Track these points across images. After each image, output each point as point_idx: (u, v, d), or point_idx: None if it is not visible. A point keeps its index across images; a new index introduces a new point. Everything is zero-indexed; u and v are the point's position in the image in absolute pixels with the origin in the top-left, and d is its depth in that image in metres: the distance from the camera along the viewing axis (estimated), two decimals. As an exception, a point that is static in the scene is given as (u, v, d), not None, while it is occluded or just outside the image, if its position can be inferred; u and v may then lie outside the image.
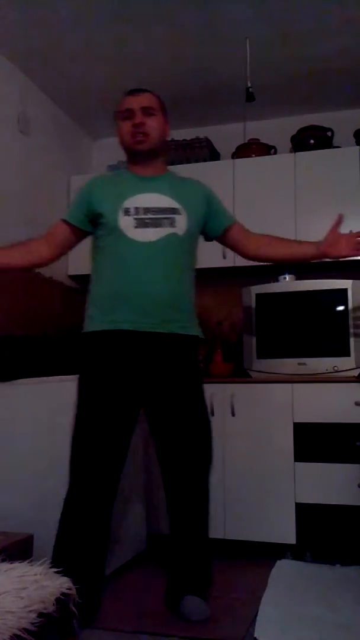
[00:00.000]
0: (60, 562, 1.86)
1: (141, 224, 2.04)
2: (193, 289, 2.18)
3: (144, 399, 2.10)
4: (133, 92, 2.13)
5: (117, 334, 2.03)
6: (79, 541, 2.02)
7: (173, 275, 2.07)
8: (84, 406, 2.07)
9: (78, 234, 2.20)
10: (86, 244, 3.57)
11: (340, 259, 2.36)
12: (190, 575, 2.08)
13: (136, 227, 2.03)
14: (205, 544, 2.15)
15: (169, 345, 2.06)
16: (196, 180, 2.29)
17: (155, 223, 2.04)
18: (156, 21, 2.71)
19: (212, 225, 2.25)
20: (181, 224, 2.08)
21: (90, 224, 2.15)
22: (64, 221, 2.19)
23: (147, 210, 2.05)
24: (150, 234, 2.03)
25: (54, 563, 1.85)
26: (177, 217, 2.08)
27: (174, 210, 2.08)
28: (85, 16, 2.66)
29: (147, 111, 2.08)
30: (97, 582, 2.04)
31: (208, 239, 2.33)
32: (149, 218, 2.04)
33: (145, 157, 2.13)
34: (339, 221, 2.28)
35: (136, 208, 2.05)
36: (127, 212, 2.04)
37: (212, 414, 2.89)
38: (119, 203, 2.05)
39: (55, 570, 1.42)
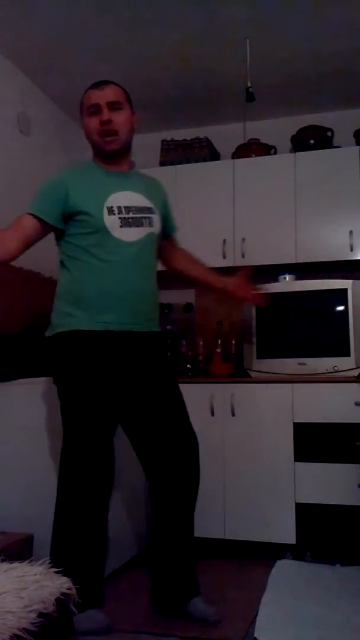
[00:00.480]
0: (60, 561, 1.87)
1: (126, 223, 2.03)
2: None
3: (128, 397, 2.08)
4: (97, 85, 2.07)
5: (106, 334, 2.01)
6: (79, 541, 2.01)
7: (151, 274, 2.13)
8: (76, 405, 2.02)
9: (46, 231, 2.07)
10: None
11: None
12: (188, 579, 2.07)
13: (121, 226, 2.02)
14: (192, 544, 2.13)
15: (151, 343, 2.10)
16: (157, 180, 2.31)
17: (137, 222, 2.05)
18: (156, 21, 2.70)
19: (164, 228, 2.24)
20: (156, 223, 2.12)
21: (63, 221, 2.06)
22: (34, 216, 2.03)
23: (128, 209, 2.05)
24: (133, 234, 2.04)
25: (53, 563, 1.86)
26: (153, 216, 2.11)
27: (150, 210, 2.10)
28: (85, 16, 2.66)
29: (113, 106, 2.03)
30: (98, 581, 2.04)
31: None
32: (131, 217, 2.04)
33: (115, 156, 2.10)
34: (249, 273, 2.45)
35: (119, 207, 2.03)
36: (111, 211, 2.01)
37: (212, 414, 2.89)
38: (102, 201, 2.02)
39: (55, 570, 1.41)
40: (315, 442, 2.75)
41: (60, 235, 2.11)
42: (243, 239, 3.23)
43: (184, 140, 3.49)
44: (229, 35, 2.80)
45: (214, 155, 3.53)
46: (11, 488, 2.48)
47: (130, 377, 2.06)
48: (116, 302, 2.02)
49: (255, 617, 2.02)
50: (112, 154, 2.10)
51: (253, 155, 3.37)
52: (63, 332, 2.05)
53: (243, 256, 3.22)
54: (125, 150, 2.13)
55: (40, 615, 1.25)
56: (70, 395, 2.04)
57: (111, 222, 2.01)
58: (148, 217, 2.08)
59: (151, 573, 2.15)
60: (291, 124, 3.44)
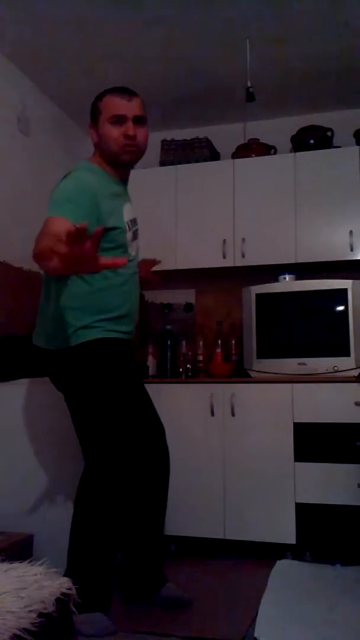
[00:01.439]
0: (77, 564, 1.92)
1: (133, 237, 2.08)
2: None
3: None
4: (124, 93, 2.00)
5: (123, 342, 2.08)
6: (99, 546, 1.97)
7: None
8: (119, 409, 2.02)
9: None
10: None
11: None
12: (157, 570, 2.16)
13: (132, 240, 2.08)
14: (161, 534, 2.21)
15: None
16: None
17: (136, 235, 2.11)
18: (156, 21, 2.70)
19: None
20: (140, 233, 2.17)
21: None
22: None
23: (133, 222, 2.09)
24: (136, 247, 2.12)
25: (69, 564, 1.92)
26: (138, 227, 2.15)
27: (136, 222, 2.13)
28: (85, 16, 2.66)
29: (139, 120, 2.00)
30: (109, 586, 2.02)
31: None
32: (134, 231, 2.09)
33: (128, 167, 2.09)
34: (154, 263, 2.48)
35: (130, 221, 2.07)
36: (129, 226, 2.05)
37: (212, 414, 2.89)
38: (122, 218, 2.01)
39: (55, 570, 1.41)
40: (316, 442, 2.75)
41: None
42: (243, 239, 3.23)
43: (184, 140, 3.49)
44: (229, 35, 2.80)
45: (214, 155, 3.53)
46: (11, 488, 2.48)
47: (134, 380, 2.15)
48: (128, 313, 2.07)
49: (255, 617, 2.02)
50: (125, 165, 2.07)
51: (253, 155, 3.37)
52: (91, 341, 1.97)
53: (243, 256, 3.22)
54: (136, 163, 2.12)
55: (40, 615, 1.24)
56: (110, 401, 2.00)
57: (129, 237, 2.05)
58: (137, 228, 2.13)
59: (120, 563, 2.15)
60: (291, 124, 3.44)
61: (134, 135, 1.98)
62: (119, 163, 2.04)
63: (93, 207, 1.87)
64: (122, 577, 2.15)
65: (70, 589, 1.36)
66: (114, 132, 1.98)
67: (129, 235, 2.03)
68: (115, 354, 2.03)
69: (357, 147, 3.19)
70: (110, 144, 1.99)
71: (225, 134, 3.62)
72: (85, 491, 2.00)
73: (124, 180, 2.12)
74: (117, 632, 1.93)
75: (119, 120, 1.97)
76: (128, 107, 1.97)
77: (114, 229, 1.94)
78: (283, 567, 2.56)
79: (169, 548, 2.87)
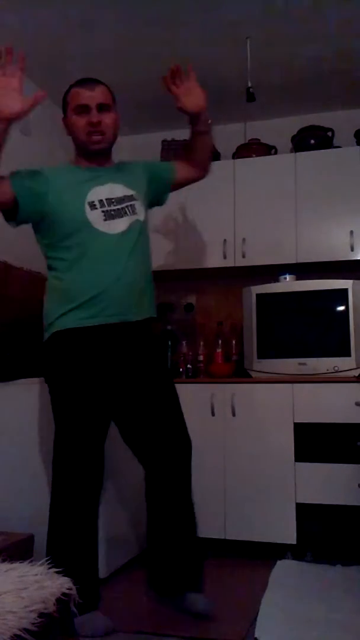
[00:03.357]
0: (56, 562, 1.88)
1: (109, 216, 2.03)
2: (151, 270, 2.21)
3: (119, 391, 2.08)
4: (86, 84, 2.08)
5: (93, 330, 2.00)
6: (70, 540, 2.01)
7: (142, 260, 2.11)
8: (63, 405, 2.04)
9: (10, 205, 2.02)
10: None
11: (194, 114, 2.22)
12: (185, 573, 2.08)
13: (105, 219, 2.02)
14: (192, 536, 2.13)
15: (141, 332, 2.08)
16: (136, 161, 2.32)
17: (120, 213, 2.05)
18: (157, 21, 2.70)
19: (159, 185, 2.26)
20: (140, 209, 2.11)
21: (34, 217, 2.06)
22: (12, 188, 2.01)
23: (109, 201, 2.05)
24: (119, 225, 2.04)
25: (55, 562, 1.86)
26: (135, 203, 2.10)
27: (131, 197, 2.10)
28: (85, 16, 2.66)
29: (102, 107, 2.05)
30: (93, 581, 2.03)
31: (161, 201, 2.35)
32: (113, 209, 2.04)
33: (99, 155, 2.11)
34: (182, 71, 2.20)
35: (100, 201, 2.04)
36: (92, 205, 2.02)
37: (213, 414, 2.89)
38: (82, 198, 2.02)
39: (56, 570, 1.41)
40: (316, 442, 2.75)
41: (40, 238, 2.13)
42: (243, 239, 3.23)
43: (184, 140, 3.47)
44: (229, 35, 2.80)
45: (215, 156, 3.52)
46: (11, 488, 2.48)
47: (120, 370, 2.05)
48: (106, 294, 2.00)
49: (255, 617, 2.02)
50: (97, 153, 2.11)
51: (253, 155, 3.37)
52: (54, 333, 2.03)
53: (243, 256, 3.22)
54: (109, 150, 2.14)
55: (41, 615, 1.24)
56: (58, 395, 2.05)
57: (94, 217, 2.01)
58: (130, 205, 2.08)
59: (149, 557, 2.17)
60: (291, 124, 3.45)
61: (98, 122, 2.03)
62: (90, 152, 2.09)
63: (39, 192, 2.01)
64: (151, 572, 2.15)
65: (70, 589, 1.36)
66: (79, 122, 2.06)
67: (96, 213, 2.01)
68: (71, 347, 2.01)
69: (358, 147, 3.20)
70: (78, 133, 2.07)
71: (226, 134, 3.62)
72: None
73: (100, 165, 2.12)
74: (116, 630, 1.93)
75: (83, 110, 2.05)
76: (90, 96, 2.05)
77: (64, 213, 2.00)
78: (284, 567, 2.56)
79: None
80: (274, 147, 3.43)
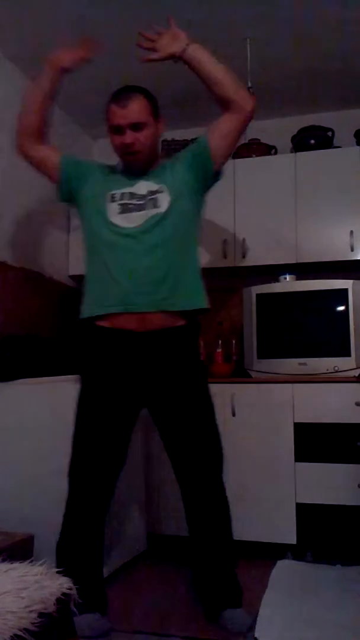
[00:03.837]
0: (63, 562, 1.91)
1: (126, 209, 2.04)
2: (193, 261, 2.14)
3: (146, 395, 2.08)
4: (119, 100, 2.06)
5: (109, 323, 2.05)
6: (77, 541, 2.03)
7: (170, 251, 2.04)
8: (80, 398, 2.09)
9: (52, 170, 2.20)
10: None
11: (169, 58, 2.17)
12: (222, 589, 2.06)
13: (120, 212, 2.04)
14: (230, 549, 2.11)
15: (164, 328, 2.03)
16: (182, 154, 2.24)
17: (140, 207, 2.04)
18: (156, 21, 2.70)
19: (199, 160, 2.13)
20: (163, 201, 2.06)
21: (71, 189, 2.18)
22: (60, 157, 2.20)
23: (132, 195, 2.07)
24: (135, 219, 2.03)
25: (58, 563, 1.89)
26: (158, 195, 2.06)
27: (155, 192, 2.07)
28: (85, 16, 2.66)
29: (136, 127, 2.04)
30: (99, 581, 2.04)
31: (215, 176, 2.23)
32: (133, 204, 2.05)
33: (139, 167, 2.13)
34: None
35: (122, 194, 2.07)
36: (112, 198, 2.07)
37: (213, 414, 2.89)
38: (106, 191, 2.09)
39: (57, 570, 1.41)
40: (316, 442, 2.74)
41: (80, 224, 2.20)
42: (243, 239, 3.23)
43: (184, 140, 3.48)
44: (229, 35, 2.80)
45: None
46: (11, 488, 2.48)
47: (143, 365, 2.04)
48: (105, 284, 2.03)
49: (255, 617, 2.02)
50: (132, 166, 2.13)
51: (253, 155, 3.37)
52: (78, 320, 2.13)
53: (244, 256, 3.22)
54: (148, 162, 2.13)
55: (41, 615, 1.24)
56: (80, 391, 2.11)
57: (112, 209, 2.05)
58: (152, 199, 2.05)
59: (193, 573, 2.18)
60: (291, 124, 3.45)
61: (131, 143, 2.04)
62: (127, 165, 2.14)
63: (81, 171, 2.18)
64: (196, 588, 2.15)
65: (70, 589, 1.36)
66: (115, 141, 2.10)
67: (114, 206, 2.05)
68: (83, 339, 2.11)
69: (358, 147, 3.20)
70: (115, 150, 2.13)
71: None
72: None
73: (139, 170, 2.13)
74: (113, 631, 1.93)
75: (117, 130, 2.06)
76: (122, 116, 2.03)
77: (89, 197, 2.12)
78: (284, 568, 2.56)
79: (170, 549, 2.87)
80: (274, 147, 3.43)
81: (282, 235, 3.20)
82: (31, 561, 1.45)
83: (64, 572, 1.68)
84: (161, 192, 2.07)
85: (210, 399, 2.13)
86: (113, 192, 2.07)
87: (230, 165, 3.34)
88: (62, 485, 2.44)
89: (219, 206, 3.28)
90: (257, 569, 2.55)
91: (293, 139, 3.40)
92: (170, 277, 2.02)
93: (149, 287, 1.99)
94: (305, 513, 2.72)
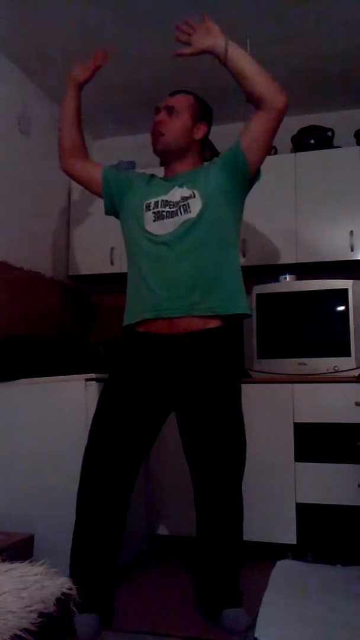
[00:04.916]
0: (77, 562, 1.96)
1: (159, 216, 2.07)
2: (230, 266, 2.11)
3: (175, 396, 2.07)
4: (173, 93, 2.19)
5: (143, 330, 2.07)
6: (77, 543, 2.01)
7: (204, 257, 2.03)
8: (101, 397, 2.11)
9: (96, 186, 2.26)
10: (87, 244, 3.58)
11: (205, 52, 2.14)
12: (224, 589, 2.06)
13: (154, 220, 2.07)
14: (239, 552, 2.12)
15: (193, 334, 2.02)
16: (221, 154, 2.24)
17: (172, 214, 2.06)
18: (156, 21, 2.70)
19: (233, 162, 2.08)
20: (195, 206, 2.05)
21: (113, 203, 2.24)
22: (101, 172, 2.24)
23: (165, 203, 2.08)
24: (168, 226, 2.05)
25: (72, 564, 1.94)
26: (190, 201, 2.06)
27: (187, 198, 2.07)
28: (85, 16, 2.66)
29: (169, 110, 2.11)
30: (109, 584, 2.03)
31: (253, 179, 2.18)
32: (166, 211, 2.07)
33: (164, 157, 2.17)
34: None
35: (155, 202, 2.10)
36: (147, 207, 2.11)
37: (213, 414, 2.88)
38: (142, 200, 2.13)
39: (56, 570, 1.41)
40: (316, 442, 2.74)
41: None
42: (244, 239, 3.23)
43: (184, 140, 3.48)
44: (229, 35, 2.79)
45: (214, 155, 3.51)
46: (11, 488, 2.48)
47: (172, 367, 2.03)
48: (143, 291, 2.05)
49: (255, 617, 2.02)
50: (161, 155, 2.18)
51: (253, 155, 3.37)
52: (123, 327, 2.15)
53: (244, 256, 3.22)
54: (171, 155, 2.15)
55: (41, 615, 1.24)
56: (104, 390, 2.12)
57: (147, 217, 2.09)
58: (184, 205, 2.06)
59: (194, 573, 2.18)
60: (291, 124, 3.44)
61: (158, 121, 2.11)
62: (156, 153, 2.18)
63: (122, 180, 2.23)
64: (196, 588, 2.15)
65: (70, 589, 1.36)
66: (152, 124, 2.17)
67: (148, 214, 2.09)
68: (124, 344, 2.13)
69: (358, 147, 3.20)
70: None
71: (226, 134, 3.61)
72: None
73: (174, 171, 2.17)
74: (112, 631, 1.92)
75: (156, 112, 2.16)
76: (166, 100, 2.15)
77: (129, 208, 2.17)
78: (284, 568, 2.56)
79: (171, 549, 2.87)
80: (274, 147, 3.43)
81: (282, 236, 3.20)
82: (31, 561, 1.45)
83: (75, 569, 1.82)
84: (192, 197, 2.06)
85: (239, 404, 2.11)
86: (149, 200, 2.11)
87: (230, 165, 3.34)
88: (62, 485, 2.44)
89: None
90: (257, 569, 2.55)
91: (293, 139, 3.40)
92: (202, 283, 2.01)
93: (180, 293, 2.00)
94: (305, 513, 2.72)
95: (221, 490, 2.06)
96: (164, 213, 2.06)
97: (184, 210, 2.04)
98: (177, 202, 2.07)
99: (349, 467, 2.68)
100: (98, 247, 3.41)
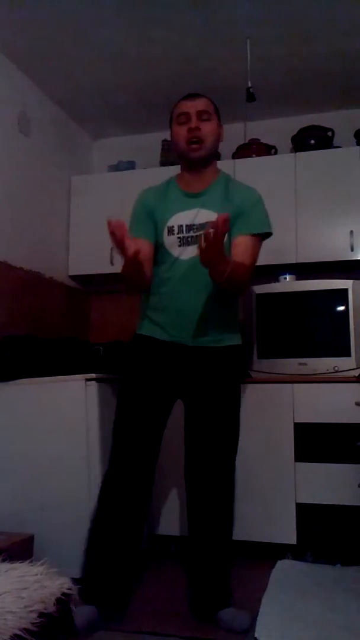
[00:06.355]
0: (95, 551, 2.03)
1: (184, 242, 2.06)
2: (232, 299, 2.16)
3: (186, 403, 2.15)
4: (189, 96, 2.11)
5: (156, 342, 2.11)
6: (93, 538, 2.08)
7: (209, 290, 2.05)
8: (123, 399, 2.14)
9: (152, 248, 2.13)
10: (87, 244, 3.58)
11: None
12: (216, 592, 2.07)
13: (179, 245, 2.06)
14: (228, 549, 2.13)
15: (200, 357, 2.09)
16: (247, 188, 2.18)
17: (196, 240, 2.00)
18: (156, 21, 2.70)
19: (231, 229, 2.07)
20: None
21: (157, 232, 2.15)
22: (139, 239, 2.02)
23: (189, 227, 2.06)
24: (191, 252, 2.03)
25: (89, 553, 2.03)
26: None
27: (201, 226, 2.05)
28: (86, 16, 2.66)
29: (202, 115, 2.06)
30: (102, 579, 2.04)
31: None
32: (191, 236, 2.05)
33: (198, 165, 2.11)
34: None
35: (179, 226, 2.07)
36: (170, 231, 2.07)
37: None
38: (164, 221, 2.09)
39: (56, 570, 1.42)
40: (316, 442, 2.74)
41: None
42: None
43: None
44: (229, 35, 2.80)
45: (215, 155, 3.52)
46: (11, 488, 2.48)
47: (175, 382, 2.11)
48: (166, 316, 2.08)
49: (255, 617, 2.02)
50: (195, 163, 2.11)
51: (253, 155, 3.37)
52: (135, 334, 2.18)
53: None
54: (208, 160, 2.13)
55: (41, 615, 1.25)
56: (119, 390, 2.16)
57: (170, 241, 2.07)
58: (197, 235, 2.03)
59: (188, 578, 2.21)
60: (291, 124, 3.45)
61: (197, 127, 2.04)
62: (190, 161, 2.10)
63: (147, 215, 2.12)
64: (190, 593, 2.16)
65: (70, 589, 1.36)
66: (181, 131, 2.07)
67: (172, 239, 2.06)
68: (137, 351, 2.14)
69: (358, 147, 3.20)
70: (179, 142, 2.09)
71: (226, 134, 3.58)
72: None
73: (198, 191, 2.12)
74: (111, 631, 1.93)
75: (184, 119, 2.06)
76: (191, 105, 2.07)
77: (157, 231, 2.11)
78: (284, 568, 2.56)
79: (170, 549, 2.87)
80: (274, 147, 3.43)
81: (282, 236, 3.19)
82: (31, 561, 1.45)
83: (92, 560, 1.92)
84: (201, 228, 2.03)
85: (239, 402, 2.18)
86: (171, 224, 2.07)
87: (230, 165, 3.34)
88: (62, 485, 2.45)
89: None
90: (257, 569, 2.55)
91: (293, 139, 3.40)
92: (214, 317, 2.07)
93: (191, 324, 2.06)
94: (305, 513, 2.72)
95: (213, 479, 2.09)
96: (189, 239, 2.05)
97: (196, 241, 2.02)
98: (203, 226, 1.98)
99: (349, 467, 2.68)
100: (98, 247, 3.41)
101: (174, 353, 2.09)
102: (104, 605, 1.99)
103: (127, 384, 2.13)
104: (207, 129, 2.07)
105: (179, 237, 2.06)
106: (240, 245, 2.05)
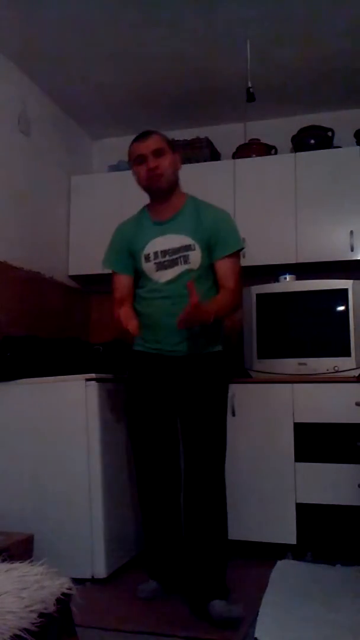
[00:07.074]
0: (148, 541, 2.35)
1: (161, 267, 2.23)
2: None
3: (177, 407, 2.28)
4: (141, 136, 2.26)
5: (148, 354, 2.29)
6: (145, 522, 2.35)
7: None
8: (131, 409, 2.36)
9: (131, 279, 2.35)
10: (87, 244, 3.58)
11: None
12: (210, 583, 2.10)
13: (157, 270, 2.23)
14: (220, 547, 2.17)
15: (188, 364, 2.23)
16: (216, 210, 2.31)
17: (172, 264, 2.22)
18: (156, 21, 2.70)
19: (212, 254, 2.26)
20: (195, 259, 2.21)
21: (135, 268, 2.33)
22: (119, 274, 2.35)
23: (164, 253, 2.23)
24: (169, 274, 2.22)
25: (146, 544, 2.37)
26: (190, 253, 2.21)
27: (187, 248, 2.22)
28: (86, 17, 2.66)
29: (157, 153, 2.21)
30: (157, 558, 2.32)
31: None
32: (166, 260, 2.22)
33: (164, 195, 2.26)
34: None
35: (155, 253, 2.24)
36: (147, 258, 2.25)
37: (213, 414, 2.88)
38: (141, 250, 2.26)
39: (56, 569, 1.41)
40: (316, 442, 2.74)
41: None
42: (244, 239, 3.21)
43: (184, 140, 3.49)
44: (229, 35, 2.80)
45: (215, 156, 3.53)
46: (11, 488, 2.48)
47: (172, 387, 2.26)
48: (153, 332, 2.24)
49: (255, 617, 2.02)
50: (160, 193, 2.26)
51: (253, 155, 3.37)
52: (132, 351, 2.36)
53: (243, 256, 3.19)
54: (171, 189, 2.27)
55: (41, 615, 1.24)
56: (129, 399, 2.37)
57: (148, 268, 2.25)
58: (184, 255, 2.21)
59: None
60: (291, 124, 3.45)
61: (155, 167, 2.21)
62: (155, 193, 2.27)
63: (123, 248, 2.34)
64: (187, 582, 2.21)
65: (70, 589, 1.36)
66: (141, 170, 2.24)
67: (150, 265, 2.24)
68: (133, 364, 2.35)
69: (358, 147, 3.20)
70: (141, 181, 2.26)
71: (226, 134, 3.62)
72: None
73: (167, 218, 2.27)
74: (165, 595, 2.24)
75: (141, 160, 2.23)
76: (144, 146, 2.22)
77: (135, 260, 2.30)
78: (284, 568, 2.56)
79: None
80: (274, 147, 3.43)
81: (282, 236, 3.20)
82: (31, 561, 1.45)
83: (148, 548, 2.35)
84: (193, 249, 2.21)
85: (225, 405, 2.29)
86: (147, 252, 2.25)
87: (230, 165, 3.35)
88: (62, 485, 2.45)
89: (219, 206, 3.28)
90: (257, 569, 2.55)
91: (293, 139, 3.40)
92: (197, 329, 2.19)
93: (174, 338, 2.21)
94: (305, 513, 2.72)
95: (204, 480, 2.18)
96: (165, 263, 2.22)
97: (183, 261, 2.21)
98: (177, 250, 2.21)
99: (349, 467, 2.68)
100: (98, 247, 3.39)
101: (166, 365, 2.24)
102: (164, 580, 2.28)
103: (133, 405, 2.33)
104: (164, 164, 2.22)
105: (155, 263, 2.23)
106: (221, 269, 2.26)
